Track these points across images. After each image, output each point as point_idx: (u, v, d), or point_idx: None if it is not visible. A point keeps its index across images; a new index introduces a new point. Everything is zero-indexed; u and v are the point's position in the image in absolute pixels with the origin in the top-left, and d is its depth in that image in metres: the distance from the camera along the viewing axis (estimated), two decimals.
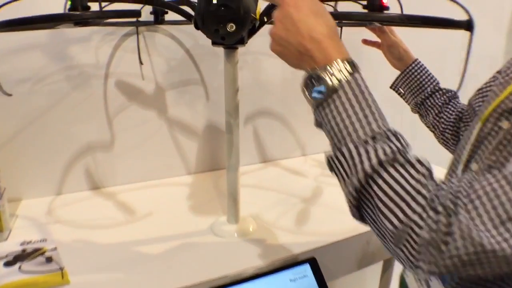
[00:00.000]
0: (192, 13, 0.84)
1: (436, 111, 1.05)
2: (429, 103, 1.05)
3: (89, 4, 0.75)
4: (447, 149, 1.07)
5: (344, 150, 0.54)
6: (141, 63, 1.20)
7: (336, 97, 0.56)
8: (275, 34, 0.61)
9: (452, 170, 0.74)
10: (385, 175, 0.51)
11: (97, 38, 1.14)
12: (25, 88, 1.08)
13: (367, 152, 0.52)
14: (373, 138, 0.53)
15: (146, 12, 1.11)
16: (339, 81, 0.56)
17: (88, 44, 1.14)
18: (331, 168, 0.59)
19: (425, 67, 1.06)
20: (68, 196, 1.19)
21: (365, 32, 1.12)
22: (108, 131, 1.22)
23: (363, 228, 1.06)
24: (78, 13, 0.68)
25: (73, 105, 1.15)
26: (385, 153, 0.51)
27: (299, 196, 1.22)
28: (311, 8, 0.60)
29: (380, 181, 0.51)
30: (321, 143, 1.60)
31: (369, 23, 1.04)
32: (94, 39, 1.14)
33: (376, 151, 0.52)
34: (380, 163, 0.51)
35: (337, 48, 0.58)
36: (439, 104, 1.04)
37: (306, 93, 0.60)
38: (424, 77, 1.05)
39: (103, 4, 0.86)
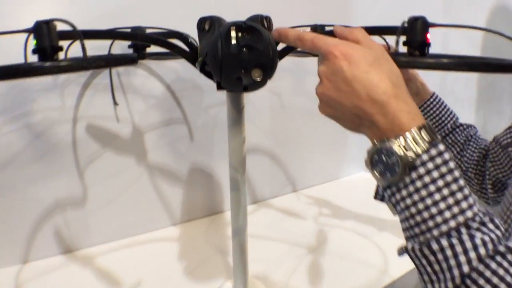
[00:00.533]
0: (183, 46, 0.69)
1: (458, 149, 0.94)
2: (450, 141, 0.95)
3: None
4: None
5: (434, 245, 0.43)
6: (115, 103, 1.03)
7: (415, 177, 0.45)
8: (324, 94, 0.50)
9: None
10: (487, 273, 0.41)
11: (62, 75, 0.96)
12: None
13: (463, 247, 0.42)
14: (467, 226, 0.43)
15: (123, 46, 0.94)
16: (417, 156, 0.44)
17: (51, 83, 0.96)
18: (411, 258, 0.48)
19: (443, 102, 0.95)
20: (37, 264, 0.99)
21: None
22: (79, 185, 1.03)
23: (385, 279, 0.94)
24: (48, 65, 0.51)
25: (35, 158, 0.96)
26: (484, 245, 0.42)
27: (303, 245, 1.08)
28: (368, 58, 0.48)
29: (481, 281, 0.41)
30: (311, 177, 1.48)
31: None
32: (59, 77, 0.96)
33: (473, 244, 0.42)
34: (480, 258, 0.42)
35: (407, 109, 0.47)
36: (461, 141, 0.94)
37: (374, 171, 0.48)
38: (443, 112, 0.94)
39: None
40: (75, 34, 0.58)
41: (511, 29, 2.27)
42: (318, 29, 0.92)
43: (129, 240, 1.11)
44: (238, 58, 0.58)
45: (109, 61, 0.51)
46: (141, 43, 0.89)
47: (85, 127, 1.01)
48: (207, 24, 0.66)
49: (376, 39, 0.76)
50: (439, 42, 1.76)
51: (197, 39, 0.77)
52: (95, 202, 1.06)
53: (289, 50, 0.69)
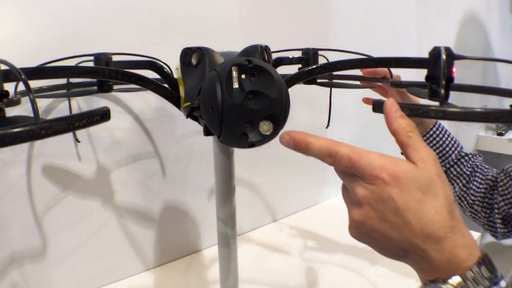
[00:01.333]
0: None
1: (464, 181, 0.87)
2: (455, 172, 0.87)
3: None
4: (475, 221, 0.89)
5: None
6: (77, 140, 0.90)
7: None
8: (364, 223, 0.43)
9: None
10: None
11: (17, 106, 0.83)
12: None
13: None
14: None
15: None
16: None
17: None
18: None
19: (446, 130, 0.88)
20: None
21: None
22: (38, 234, 0.89)
23: None
24: None
25: None
26: None
27: (293, 286, 0.98)
28: (422, 184, 0.41)
29: None
30: (291, 204, 1.38)
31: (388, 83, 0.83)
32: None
33: None
34: None
35: (465, 243, 0.41)
36: (467, 173, 0.87)
37: None
38: (447, 142, 0.87)
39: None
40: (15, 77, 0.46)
41: (480, 38, 2.29)
42: (310, 53, 0.82)
43: None
44: (244, 109, 0.46)
45: (72, 123, 0.38)
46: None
47: (41, 169, 0.87)
48: (195, 58, 0.54)
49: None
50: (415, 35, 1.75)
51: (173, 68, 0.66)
52: (56, 252, 0.92)
53: (295, 81, 0.59)
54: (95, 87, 0.77)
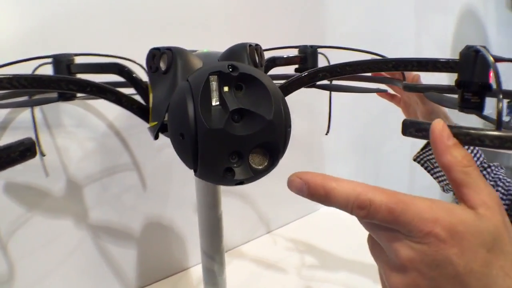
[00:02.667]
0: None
1: None
2: None
3: None
4: None
5: None
6: (42, 154, 0.80)
7: None
8: None
9: None
10: None
11: None
12: None
13: None
14: None
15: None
16: None
17: None
18: None
19: None
20: None
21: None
22: (3, 260, 0.79)
23: None
24: None
25: None
26: None
27: None
28: (486, 238, 0.30)
29: None
30: (285, 213, 1.29)
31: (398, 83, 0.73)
32: None
33: None
34: None
35: None
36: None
37: None
38: (469, 151, 0.77)
39: None
40: None
41: (478, 33, 2.22)
42: (309, 51, 0.72)
43: None
44: (228, 135, 0.34)
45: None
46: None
47: (3, 188, 0.77)
48: (163, 62, 0.42)
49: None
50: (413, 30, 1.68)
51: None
52: (25, 279, 0.82)
53: (293, 88, 0.48)
54: (55, 95, 0.67)
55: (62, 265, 0.86)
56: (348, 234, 1.00)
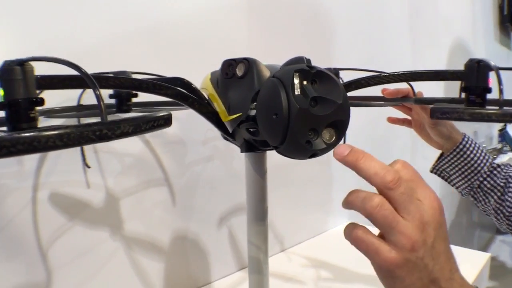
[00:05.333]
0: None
1: (498, 194, 0.84)
2: (489, 185, 0.85)
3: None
4: None
5: None
6: (87, 166, 0.85)
7: None
8: (425, 243, 0.43)
9: None
10: None
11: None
12: None
13: None
14: None
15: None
16: None
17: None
18: None
19: (476, 142, 0.85)
20: None
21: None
22: (42, 267, 0.83)
23: None
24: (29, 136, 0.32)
25: None
26: None
27: None
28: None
29: None
30: (298, 233, 1.34)
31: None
32: None
33: None
34: None
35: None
36: (501, 185, 0.84)
37: None
38: (478, 155, 0.84)
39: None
40: (68, 80, 0.42)
41: None
42: (332, 72, 0.80)
43: None
44: (310, 115, 0.43)
45: (139, 125, 0.34)
46: (127, 91, 0.72)
47: (48, 197, 0.82)
48: (240, 69, 0.51)
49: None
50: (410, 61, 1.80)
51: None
52: (62, 287, 0.86)
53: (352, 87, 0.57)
54: (113, 109, 0.73)
55: (96, 275, 0.90)
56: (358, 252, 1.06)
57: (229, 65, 0.53)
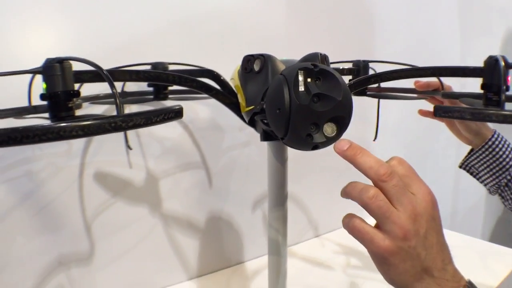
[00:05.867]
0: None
1: None
2: None
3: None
4: None
5: None
6: (129, 147, 0.92)
7: None
8: (413, 237, 0.46)
9: None
10: None
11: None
12: None
13: None
14: None
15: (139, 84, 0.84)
16: None
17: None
18: None
19: (506, 139, 0.85)
20: None
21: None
22: (86, 239, 0.91)
23: None
24: (68, 125, 0.38)
25: (37, 210, 0.84)
26: None
27: None
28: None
29: None
30: (334, 220, 1.36)
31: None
32: None
33: None
34: None
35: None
36: None
37: None
38: (507, 152, 0.84)
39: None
40: (97, 76, 0.48)
41: None
42: (361, 64, 0.82)
43: None
44: (310, 110, 0.47)
45: (150, 118, 0.39)
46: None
47: (93, 175, 0.90)
48: (257, 64, 0.55)
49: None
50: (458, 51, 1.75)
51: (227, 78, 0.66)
52: (103, 257, 0.94)
53: (351, 89, 0.59)
54: (150, 96, 0.79)
55: (135, 248, 0.97)
56: None
57: (248, 60, 0.57)
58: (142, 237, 0.98)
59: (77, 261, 0.91)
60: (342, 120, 0.49)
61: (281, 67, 0.54)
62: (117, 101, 0.39)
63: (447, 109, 0.48)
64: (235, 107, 0.59)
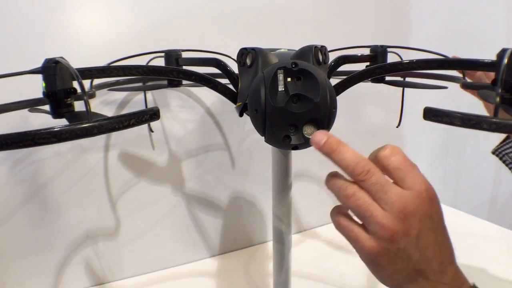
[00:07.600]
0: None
1: None
2: None
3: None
4: None
5: None
6: (151, 130, 0.95)
7: None
8: (402, 238, 0.42)
9: None
10: None
11: (93, 99, 0.89)
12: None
13: None
14: None
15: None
16: None
17: (82, 105, 0.88)
18: None
19: None
20: None
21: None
22: (112, 215, 0.96)
23: None
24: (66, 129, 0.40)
25: (65, 188, 0.90)
26: None
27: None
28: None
29: None
30: None
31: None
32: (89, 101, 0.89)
33: None
34: None
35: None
36: None
37: None
38: None
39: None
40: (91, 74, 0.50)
41: None
42: (379, 49, 0.79)
43: (163, 273, 1.03)
44: (287, 112, 0.47)
45: (123, 121, 0.41)
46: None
47: (117, 156, 0.94)
48: (249, 58, 0.55)
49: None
50: (504, 38, 1.61)
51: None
52: (128, 233, 0.99)
53: (356, 81, 0.57)
54: (165, 83, 0.81)
55: (158, 225, 1.02)
56: None
57: (242, 54, 0.57)
58: (165, 215, 1.02)
59: (103, 236, 0.96)
60: (321, 122, 0.48)
61: (273, 61, 0.54)
62: (88, 106, 0.41)
63: (437, 113, 0.45)
64: (233, 99, 0.59)
